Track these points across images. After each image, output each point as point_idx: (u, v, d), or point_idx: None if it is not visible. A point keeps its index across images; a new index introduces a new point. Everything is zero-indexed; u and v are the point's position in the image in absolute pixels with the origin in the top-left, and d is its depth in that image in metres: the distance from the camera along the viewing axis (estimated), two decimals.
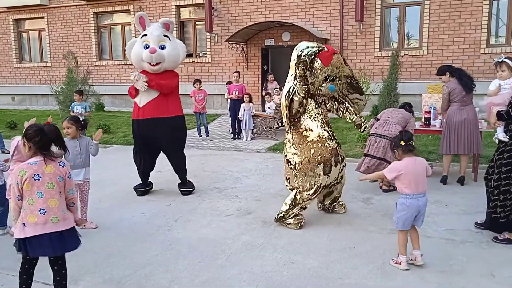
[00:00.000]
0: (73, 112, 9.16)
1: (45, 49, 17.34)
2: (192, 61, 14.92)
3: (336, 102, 4.85)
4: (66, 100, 11.65)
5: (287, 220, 4.62)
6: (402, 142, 3.62)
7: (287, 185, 4.79)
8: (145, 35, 5.63)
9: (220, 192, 6.00)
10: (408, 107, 6.32)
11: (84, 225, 4.64)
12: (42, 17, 16.99)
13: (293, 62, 4.51)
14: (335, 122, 11.06)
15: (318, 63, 4.40)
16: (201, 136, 10.17)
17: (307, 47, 4.44)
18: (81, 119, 5.24)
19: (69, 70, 12.15)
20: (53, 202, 2.93)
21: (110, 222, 4.92)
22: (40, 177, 2.89)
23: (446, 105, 6.17)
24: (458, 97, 6.01)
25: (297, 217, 4.59)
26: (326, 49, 4.46)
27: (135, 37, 6.07)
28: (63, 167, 3.02)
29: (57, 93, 11.63)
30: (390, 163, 5.58)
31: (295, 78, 4.50)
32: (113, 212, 5.25)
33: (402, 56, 12.02)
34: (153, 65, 5.55)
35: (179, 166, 5.91)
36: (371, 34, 12.78)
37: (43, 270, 3.76)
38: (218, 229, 4.64)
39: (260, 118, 10.14)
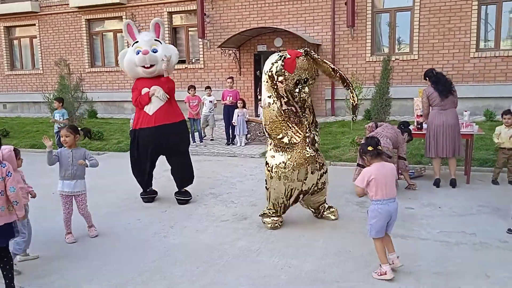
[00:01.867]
0: (53, 119, 9.20)
1: (36, 56, 17.27)
2: (185, 67, 14.95)
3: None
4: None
5: (265, 219, 4.78)
6: (370, 148, 3.64)
7: (266, 186, 4.79)
8: (137, 42, 5.69)
9: (216, 198, 6.01)
10: (403, 126, 6.42)
11: (88, 232, 4.71)
12: (34, 24, 16.94)
13: (267, 84, 4.47)
14: (329, 127, 11.15)
15: (286, 73, 4.35)
16: (194, 141, 10.18)
17: (272, 64, 4.41)
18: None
19: (61, 77, 12.09)
20: None
21: (106, 229, 4.91)
22: None
23: (426, 109, 6.34)
24: (436, 102, 6.18)
25: (274, 219, 4.72)
26: (288, 56, 4.39)
27: (127, 44, 6.10)
28: (3, 167, 3.33)
29: (49, 100, 11.56)
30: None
31: (278, 98, 4.47)
32: (109, 219, 5.23)
33: (393, 61, 12.15)
34: (147, 68, 5.57)
35: (186, 165, 5.90)
36: (362, 39, 12.91)
37: (39, 278, 3.76)
38: (214, 235, 4.65)
39: (254, 123, 10.17)
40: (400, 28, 12.81)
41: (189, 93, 10.18)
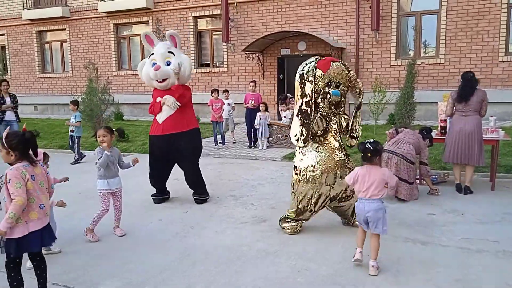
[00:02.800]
0: (69, 121, 9.44)
1: (66, 59, 17.82)
2: (209, 71, 15.14)
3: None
4: (87, 109, 11.91)
5: (284, 224, 4.74)
6: (369, 154, 3.81)
7: (292, 192, 4.74)
8: (152, 54, 5.81)
9: (236, 200, 6.08)
10: (426, 132, 6.32)
11: (115, 232, 4.84)
12: (64, 29, 17.50)
13: (298, 83, 4.63)
14: None
15: (318, 72, 4.49)
16: (217, 144, 10.29)
17: (306, 64, 4.58)
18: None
19: (89, 80, 12.44)
20: (45, 198, 3.37)
21: (129, 228, 5.03)
22: (34, 177, 3.27)
23: (450, 110, 6.24)
24: (458, 106, 6.12)
25: (293, 224, 4.69)
26: (323, 58, 4.60)
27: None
28: (42, 166, 3.47)
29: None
30: (403, 180, 5.64)
31: (302, 97, 4.55)
32: (132, 219, 5.36)
33: (419, 64, 11.99)
34: (160, 82, 5.71)
35: (196, 182, 6.01)
36: (387, 43, 12.80)
37: (64, 274, 3.90)
38: (233, 236, 4.71)
39: (276, 126, 10.22)
40: (426, 31, 12.64)
41: (212, 97, 10.31)
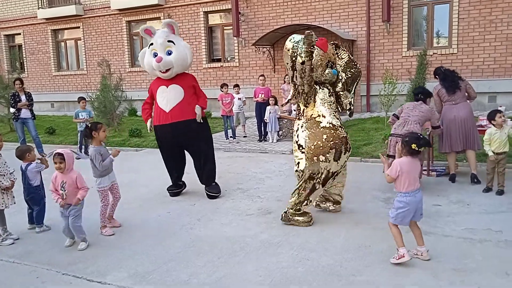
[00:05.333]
0: (76, 118, 9.62)
1: (81, 57, 18.11)
2: (221, 66, 15.23)
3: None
4: (101, 106, 12.15)
5: (296, 218, 4.75)
6: (414, 146, 3.67)
7: (296, 170, 4.80)
8: (152, 43, 5.84)
9: (243, 193, 6.17)
10: (424, 96, 6.12)
11: (110, 222, 4.96)
12: (78, 27, 17.77)
13: (288, 52, 4.75)
14: (362, 123, 11.05)
15: (318, 50, 4.60)
16: (228, 138, 10.40)
17: (301, 39, 4.64)
18: (86, 124, 5.61)
19: (103, 77, 12.67)
20: None
21: (138, 221, 5.19)
22: None
23: (439, 106, 6.43)
24: (446, 97, 6.25)
25: (306, 215, 4.76)
26: (318, 39, 4.68)
27: None
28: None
29: (92, 100, 12.14)
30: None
31: (292, 69, 4.74)
32: (141, 212, 5.51)
33: (431, 55, 11.85)
34: (163, 72, 5.77)
35: (207, 162, 5.99)
36: (398, 34, 12.67)
37: (73, 264, 4.06)
38: (238, 228, 4.81)
39: (286, 120, 10.26)
40: (438, 21, 12.46)
41: (222, 91, 10.40)
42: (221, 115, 10.58)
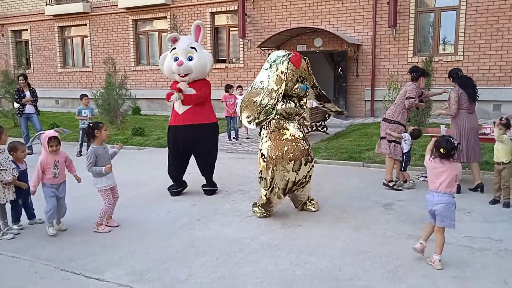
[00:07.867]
0: (79, 116, 9.58)
1: (87, 54, 18.20)
2: (225, 67, 15.25)
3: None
4: (105, 103, 12.19)
5: (254, 208, 5.22)
6: (442, 150, 3.73)
7: (259, 177, 5.05)
8: (174, 48, 5.93)
9: (244, 194, 6.17)
10: (416, 75, 6.30)
11: (108, 222, 4.96)
12: (85, 24, 17.86)
13: (269, 70, 4.90)
14: (365, 128, 11.03)
15: (291, 65, 4.79)
16: (230, 140, 10.40)
17: (278, 56, 4.87)
18: (88, 122, 5.65)
19: (108, 75, 12.71)
20: None
21: (138, 219, 5.19)
22: None
23: (456, 109, 6.03)
24: (466, 104, 6.04)
25: (262, 208, 5.06)
26: (293, 54, 4.88)
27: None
28: None
29: (96, 97, 12.18)
30: (382, 138, 6.29)
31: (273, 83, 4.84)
32: (141, 211, 5.52)
33: (437, 61, 11.84)
34: (182, 76, 5.86)
35: (209, 163, 6.17)
36: (404, 40, 12.66)
37: (72, 261, 4.06)
38: (238, 229, 4.81)
39: None
40: (445, 28, 12.45)
41: (226, 92, 10.41)
42: (225, 116, 10.57)
